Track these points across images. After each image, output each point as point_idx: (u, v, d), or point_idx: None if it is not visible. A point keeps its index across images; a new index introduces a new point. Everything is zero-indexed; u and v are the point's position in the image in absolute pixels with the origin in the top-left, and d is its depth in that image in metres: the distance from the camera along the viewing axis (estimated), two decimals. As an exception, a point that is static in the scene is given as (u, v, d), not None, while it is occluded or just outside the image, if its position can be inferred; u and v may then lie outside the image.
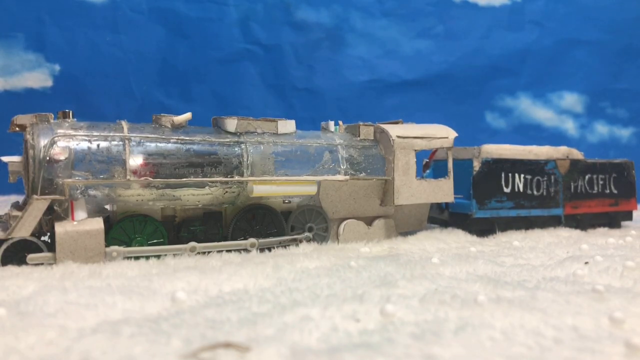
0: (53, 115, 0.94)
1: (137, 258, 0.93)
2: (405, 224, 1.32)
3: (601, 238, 1.30)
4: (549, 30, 2.98)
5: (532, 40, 2.97)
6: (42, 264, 0.86)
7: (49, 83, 2.63)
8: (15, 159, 0.95)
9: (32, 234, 0.88)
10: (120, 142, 0.94)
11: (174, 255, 0.96)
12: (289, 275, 0.81)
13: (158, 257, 0.95)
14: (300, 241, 1.11)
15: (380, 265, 0.89)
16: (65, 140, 0.90)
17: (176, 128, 1.02)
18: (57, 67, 2.63)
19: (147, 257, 0.94)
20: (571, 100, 3.01)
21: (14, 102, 2.57)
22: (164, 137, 0.99)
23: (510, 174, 1.41)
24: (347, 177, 1.15)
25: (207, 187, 1.01)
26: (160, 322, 0.55)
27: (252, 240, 1.04)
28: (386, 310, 0.58)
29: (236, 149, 1.05)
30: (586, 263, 0.90)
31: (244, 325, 0.55)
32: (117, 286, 0.72)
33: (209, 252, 0.99)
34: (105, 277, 0.79)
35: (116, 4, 2.68)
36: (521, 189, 1.42)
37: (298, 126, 1.17)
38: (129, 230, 0.96)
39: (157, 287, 0.73)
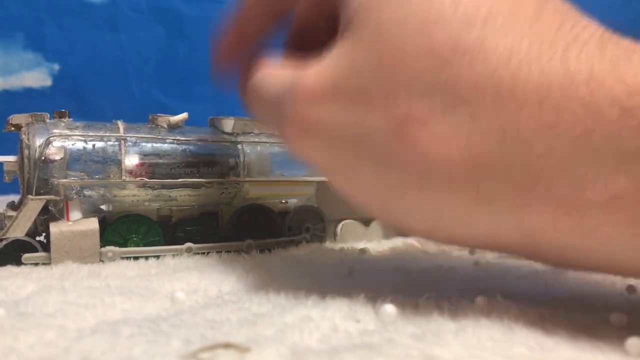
0: (49, 115, 0.94)
1: (136, 258, 0.93)
2: (405, 224, 1.31)
3: (601, 238, 1.29)
4: (548, 31, 2.98)
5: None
6: (39, 263, 0.86)
7: (48, 82, 2.62)
8: (11, 158, 0.95)
9: (28, 234, 0.87)
10: (116, 142, 0.94)
11: (173, 255, 0.96)
12: (287, 275, 0.81)
13: (157, 257, 0.95)
14: (298, 242, 1.10)
15: (379, 265, 0.89)
16: (61, 140, 0.90)
17: (172, 128, 1.02)
18: (56, 67, 2.62)
19: (147, 257, 0.94)
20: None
21: (13, 101, 2.56)
22: (160, 137, 0.99)
23: (509, 174, 1.40)
24: (347, 177, 1.15)
25: (203, 188, 1.01)
26: (159, 323, 0.55)
27: (249, 241, 1.04)
28: (386, 310, 0.58)
29: (233, 149, 1.05)
30: (586, 263, 0.90)
31: (243, 325, 0.55)
32: (117, 286, 0.72)
33: (208, 253, 0.99)
34: (104, 277, 0.79)
35: (116, 4, 2.68)
36: (521, 189, 1.42)
37: (297, 127, 1.16)
38: (124, 231, 0.96)
39: (156, 287, 0.72)
